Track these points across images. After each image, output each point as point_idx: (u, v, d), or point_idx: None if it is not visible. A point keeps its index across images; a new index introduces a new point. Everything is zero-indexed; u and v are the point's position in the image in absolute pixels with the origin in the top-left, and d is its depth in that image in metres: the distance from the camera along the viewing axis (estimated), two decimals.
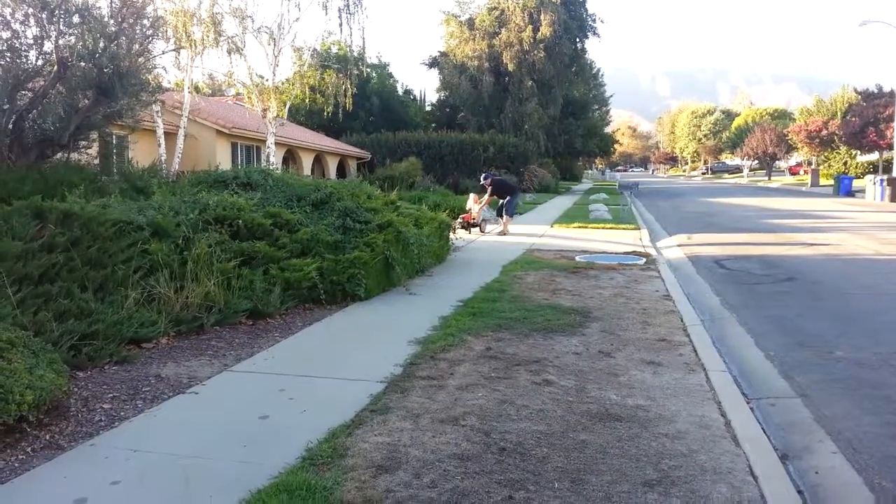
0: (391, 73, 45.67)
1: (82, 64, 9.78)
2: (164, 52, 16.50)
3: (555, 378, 5.04)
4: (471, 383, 4.88)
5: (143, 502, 3.18)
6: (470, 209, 16.37)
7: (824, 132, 49.38)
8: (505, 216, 16.13)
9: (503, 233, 15.70)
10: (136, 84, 10.59)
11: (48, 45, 9.86)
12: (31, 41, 9.90)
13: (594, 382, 4.98)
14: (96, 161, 12.20)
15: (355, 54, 23.49)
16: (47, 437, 3.89)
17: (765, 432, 4.25)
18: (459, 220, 15.81)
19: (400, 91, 45.84)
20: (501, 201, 16.52)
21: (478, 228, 16.06)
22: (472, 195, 16.95)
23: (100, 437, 3.93)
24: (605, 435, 4.01)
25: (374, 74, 41.84)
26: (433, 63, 45.39)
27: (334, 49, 30.22)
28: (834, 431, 4.32)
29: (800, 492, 3.50)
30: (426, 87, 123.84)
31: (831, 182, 39.50)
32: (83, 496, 3.22)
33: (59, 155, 10.47)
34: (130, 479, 3.41)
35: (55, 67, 9.61)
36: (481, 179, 16.95)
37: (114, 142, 14.26)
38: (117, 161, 13.55)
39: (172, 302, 6.29)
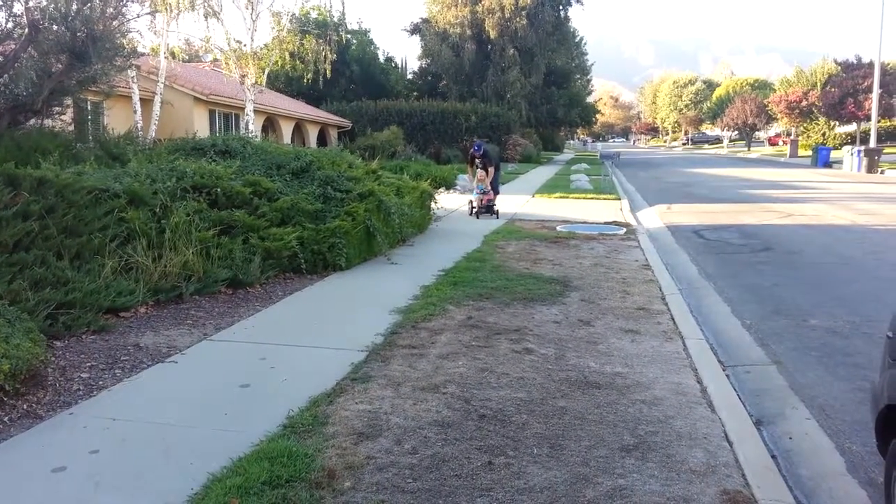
0: (372, 39, 44.97)
1: (54, 27, 9.51)
2: (138, 16, 16.04)
3: (535, 346, 5.08)
4: (452, 352, 4.90)
5: (123, 471, 3.17)
6: (487, 190, 13.43)
7: (804, 103, 49.60)
8: (492, 193, 13.99)
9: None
10: (111, 48, 10.32)
11: (18, 7, 9.58)
12: (0, 2, 9.61)
13: (573, 350, 5.02)
14: (71, 128, 11.95)
15: (335, 19, 23.17)
16: (25, 406, 3.86)
17: (740, 399, 4.33)
18: (475, 202, 13.33)
19: (381, 58, 45.20)
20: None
21: (494, 211, 13.36)
22: (480, 173, 13.64)
23: (78, 407, 3.91)
24: (583, 402, 4.06)
25: (354, 41, 41.21)
26: (415, 30, 44.84)
27: (314, 14, 29.72)
28: (807, 398, 4.41)
29: (773, 456, 3.58)
30: (407, 54, 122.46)
31: (810, 153, 39.82)
32: (62, 465, 3.21)
33: (32, 121, 10.23)
34: (110, 447, 3.40)
35: (26, 30, 9.34)
36: (472, 150, 14.17)
37: (88, 108, 13.97)
38: (92, 128, 13.29)
39: (150, 271, 6.22)
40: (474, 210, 13.39)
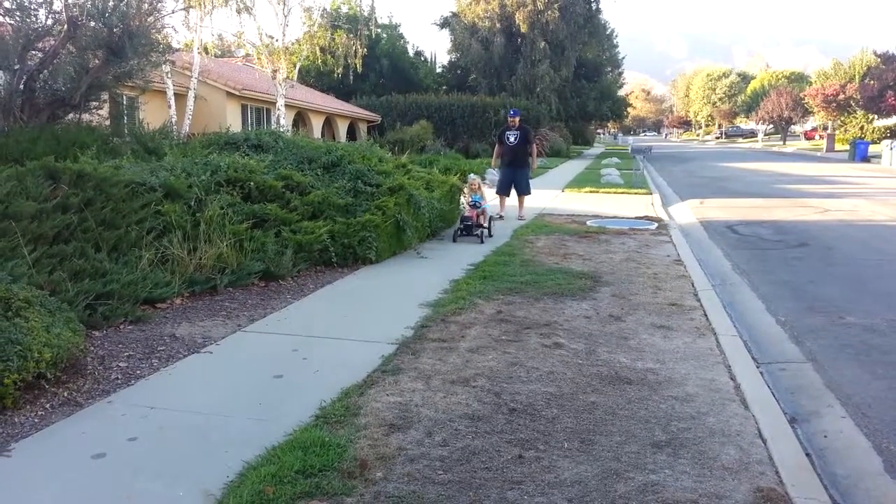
0: (402, 34, 45.20)
1: (92, 23, 9.71)
2: (173, 12, 16.30)
3: (565, 341, 5.07)
4: (481, 346, 4.91)
5: (161, 458, 3.24)
6: (479, 204, 9.75)
7: (841, 96, 48.54)
8: (518, 195, 11.94)
9: (521, 217, 11.71)
10: (146, 44, 10.50)
11: (58, 4, 9.78)
12: (41, 0, 9.83)
13: (604, 346, 5.00)
14: (107, 122, 12.18)
15: (365, 14, 23.24)
16: (65, 394, 3.96)
17: (774, 396, 4.27)
18: (461, 220, 9.67)
19: (410, 52, 45.36)
20: (510, 172, 11.75)
21: (486, 231, 9.82)
22: (472, 178, 10.42)
23: (116, 395, 4.00)
24: (614, 397, 4.04)
25: (384, 35, 41.36)
26: (444, 23, 44.81)
27: (344, 8, 29.92)
28: (843, 396, 4.34)
29: (808, 454, 3.53)
30: (437, 48, 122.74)
31: (847, 147, 39.00)
32: (101, 451, 3.29)
33: (70, 115, 10.46)
34: (147, 435, 3.47)
35: (65, 27, 9.54)
36: (510, 115, 11.79)
37: (124, 102, 14.24)
38: (128, 122, 13.53)
39: (186, 263, 6.33)
40: (455, 229, 9.78)
